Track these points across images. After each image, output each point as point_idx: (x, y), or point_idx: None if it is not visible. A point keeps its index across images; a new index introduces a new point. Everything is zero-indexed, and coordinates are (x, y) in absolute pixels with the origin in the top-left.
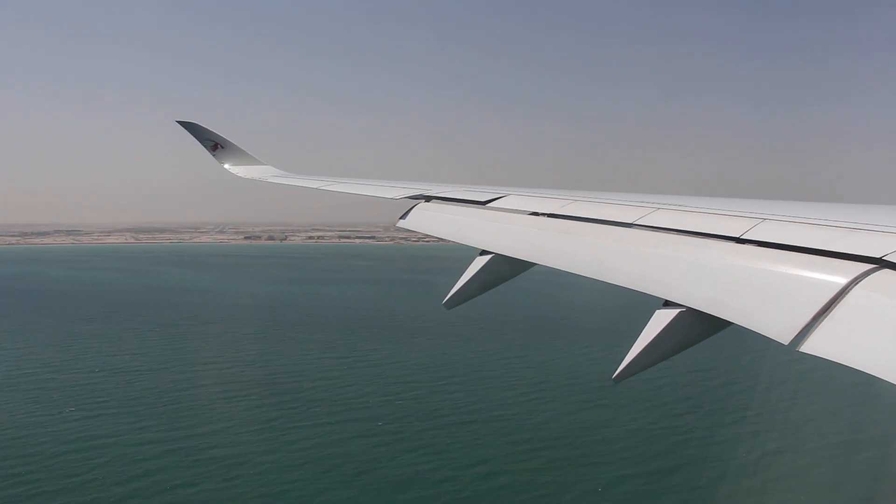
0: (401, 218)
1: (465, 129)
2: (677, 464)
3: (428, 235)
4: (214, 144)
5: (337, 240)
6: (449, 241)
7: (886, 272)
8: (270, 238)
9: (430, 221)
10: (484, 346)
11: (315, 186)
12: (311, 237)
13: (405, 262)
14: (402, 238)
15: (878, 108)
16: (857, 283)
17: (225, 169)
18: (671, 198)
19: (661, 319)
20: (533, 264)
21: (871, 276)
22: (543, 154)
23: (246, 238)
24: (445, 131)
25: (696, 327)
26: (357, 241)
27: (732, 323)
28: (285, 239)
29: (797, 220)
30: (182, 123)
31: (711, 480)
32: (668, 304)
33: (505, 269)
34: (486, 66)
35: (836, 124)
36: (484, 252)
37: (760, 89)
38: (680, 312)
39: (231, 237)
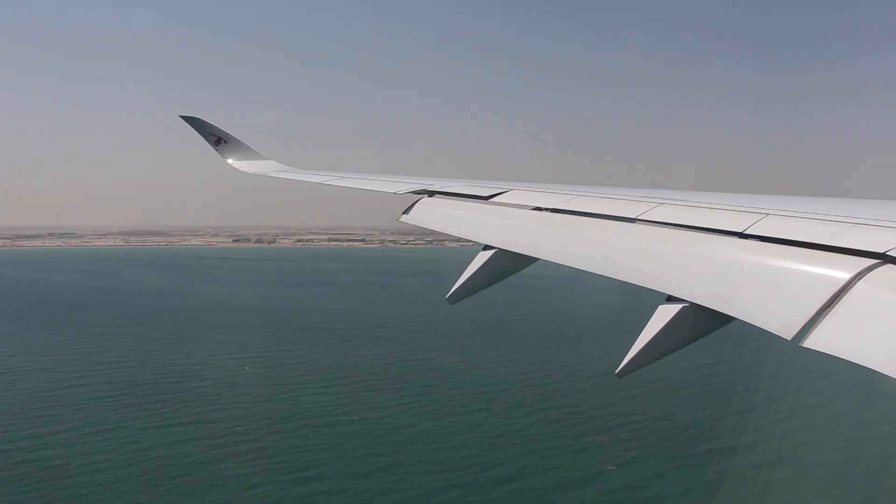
0: (403, 213)
1: (468, 126)
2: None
3: (419, 238)
4: (218, 139)
5: (326, 243)
6: (451, 235)
7: (889, 267)
8: (259, 241)
9: (433, 216)
10: (398, 348)
11: (318, 181)
12: (300, 240)
13: (383, 264)
14: (390, 241)
15: (881, 107)
16: (860, 279)
17: (228, 164)
18: (674, 193)
19: (664, 314)
20: (536, 259)
21: (875, 271)
22: (546, 151)
23: (235, 241)
24: (447, 129)
25: (700, 322)
26: (346, 244)
27: (735, 318)
28: (273, 242)
29: (800, 215)
30: (185, 118)
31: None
32: (671, 299)
33: (508, 264)
34: (488, 64)
35: (839, 122)
36: (487, 247)
37: (762, 88)
38: (683, 307)
39: (221, 240)
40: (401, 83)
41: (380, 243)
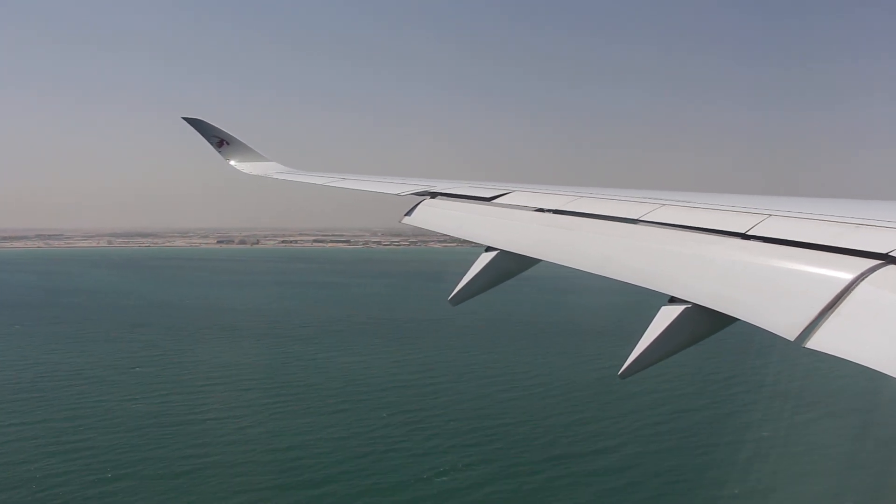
0: (406, 215)
1: (469, 127)
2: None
3: (403, 239)
4: (220, 141)
5: (310, 244)
6: (454, 237)
7: (892, 268)
8: (242, 242)
9: (435, 218)
10: (305, 348)
11: (321, 183)
12: (284, 241)
13: (352, 265)
14: (374, 242)
15: (883, 107)
16: (863, 279)
17: (230, 165)
18: (677, 194)
19: (666, 315)
20: (538, 261)
21: (878, 272)
22: (548, 152)
23: (219, 242)
24: (449, 129)
25: (702, 323)
26: (329, 245)
27: (738, 319)
28: (257, 243)
29: (803, 215)
30: (188, 120)
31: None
32: (673, 300)
33: (510, 265)
34: (489, 66)
35: (842, 123)
36: (489, 248)
37: (763, 89)
38: (685, 309)
39: (206, 241)
40: (402, 84)
41: (363, 244)
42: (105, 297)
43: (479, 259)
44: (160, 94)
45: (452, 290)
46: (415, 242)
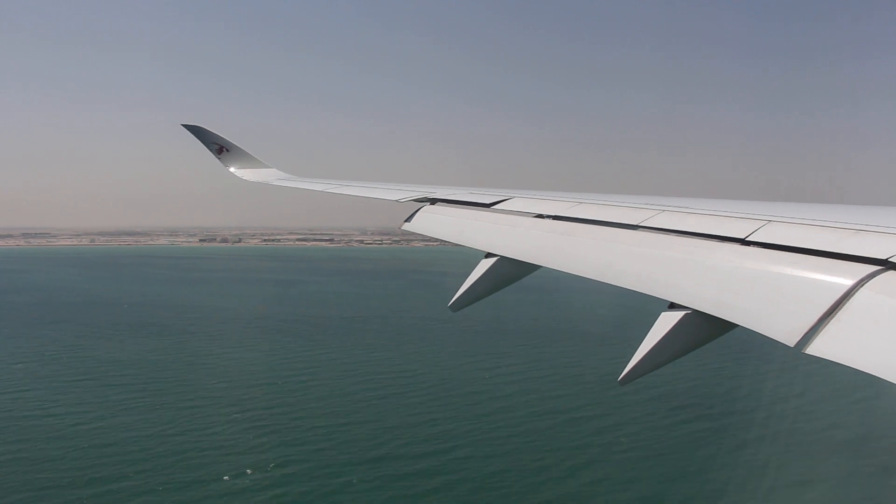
0: (406, 221)
1: (470, 132)
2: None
3: (387, 238)
4: (219, 148)
5: (293, 242)
6: (453, 243)
7: (892, 274)
8: (224, 241)
9: (435, 224)
10: (207, 345)
11: (320, 189)
12: (266, 240)
13: (323, 262)
14: (357, 241)
15: (883, 110)
16: (862, 285)
17: (230, 172)
18: (676, 200)
19: (666, 321)
20: (538, 266)
21: (877, 277)
22: (548, 157)
23: (201, 241)
24: (450, 135)
25: (702, 329)
26: (312, 243)
27: (738, 325)
28: (239, 241)
29: (802, 221)
30: (187, 127)
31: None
32: (673, 306)
33: (510, 271)
34: (490, 71)
35: (842, 127)
36: (489, 255)
37: (764, 93)
38: (685, 314)
39: (188, 240)
40: (404, 86)
41: (345, 243)
42: (46, 294)
43: (478, 265)
44: (155, 95)
45: (405, 287)
46: (398, 241)
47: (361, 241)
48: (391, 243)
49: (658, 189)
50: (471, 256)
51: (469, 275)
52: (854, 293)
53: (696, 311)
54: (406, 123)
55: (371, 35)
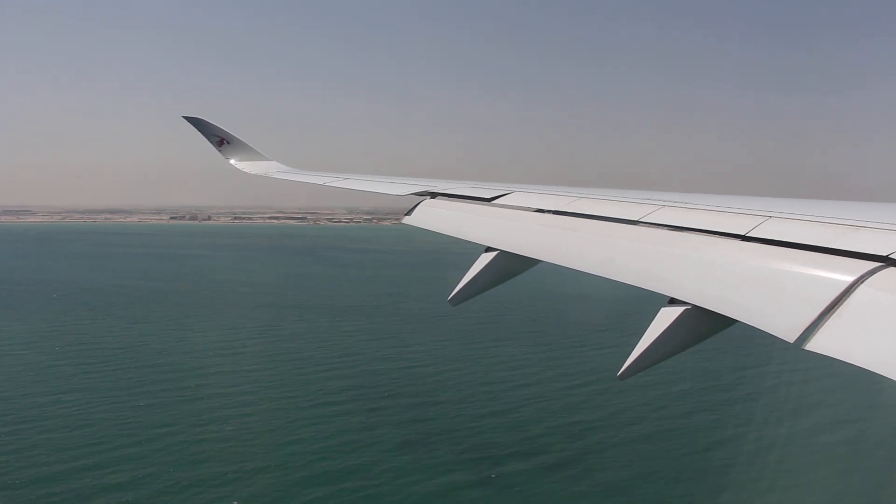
0: (406, 215)
1: (473, 123)
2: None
3: (359, 217)
4: (220, 140)
5: (264, 220)
6: (454, 237)
7: (892, 270)
8: (193, 218)
9: (436, 218)
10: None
11: (320, 182)
12: (237, 218)
13: (280, 239)
14: (326, 219)
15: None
16: (862, 282)
17: (231, 164)
18: (677, 195)
19: (666, 317)
20: (538, 261)
21: (877, 274)
22: (550, 151)
23: (172, 218)
24: (453, 124)
25: (702, 325)
26: (283, 221)
27: (738, 321)
28: (208, 219)
29: (803, 217)
30: (188, 119)
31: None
32: (673, 301)
33: (510, 265)
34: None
35: (843, 117)
36: (489, 249)
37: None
38: (685, 310)
39: (159, 217)
40: (408, 74)
41: (314, 222)
42: None
43: (479, 259)
44: (147, 76)
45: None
46: (370, 220)
47: (329, 220)
48: (363, 222)
49: (660, 183)
50: (403, 231)
51: (468, 269)
52: (854, 289)
53: (696, 307)
54: (410, 109)
55: (375, 18)
